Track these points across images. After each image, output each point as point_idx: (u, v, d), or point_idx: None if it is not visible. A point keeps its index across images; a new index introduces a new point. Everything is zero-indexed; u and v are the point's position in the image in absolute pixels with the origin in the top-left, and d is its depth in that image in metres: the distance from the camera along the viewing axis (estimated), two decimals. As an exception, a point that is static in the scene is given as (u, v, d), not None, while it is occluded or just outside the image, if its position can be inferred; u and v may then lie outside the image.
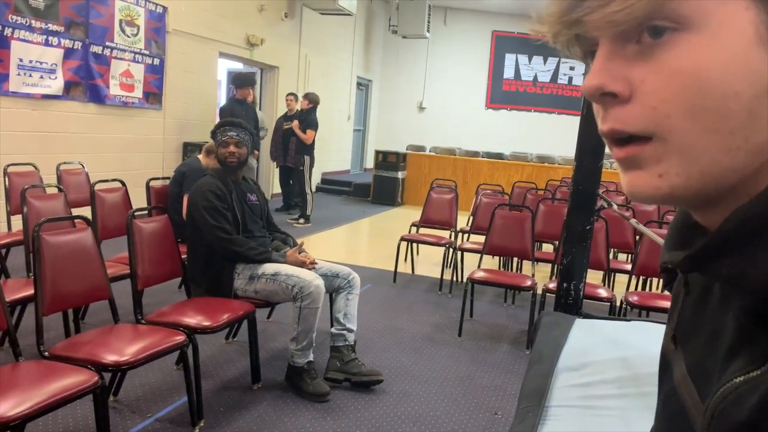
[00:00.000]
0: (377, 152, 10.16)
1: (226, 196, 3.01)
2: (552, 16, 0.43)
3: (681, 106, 0.39)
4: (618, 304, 3.63)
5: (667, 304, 3.43)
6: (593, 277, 3.55)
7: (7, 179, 4.06)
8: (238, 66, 9.05)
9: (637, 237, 4.54)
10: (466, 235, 5.51)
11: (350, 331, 3.10)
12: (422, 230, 5.45)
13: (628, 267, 4.27)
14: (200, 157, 4.09)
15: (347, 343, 3.06)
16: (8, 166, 4.20)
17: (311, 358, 2.92)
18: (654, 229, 3.75)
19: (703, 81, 0.38)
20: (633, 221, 2.55)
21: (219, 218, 2.94)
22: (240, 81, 6.97)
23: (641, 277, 4.27)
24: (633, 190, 0.43)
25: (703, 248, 0.42)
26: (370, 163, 12.56)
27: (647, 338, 2.00)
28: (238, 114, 6.88)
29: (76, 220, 2.68)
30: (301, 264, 3.02)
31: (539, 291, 3.75)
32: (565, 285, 2.62)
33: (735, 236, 0.39)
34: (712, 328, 0.47)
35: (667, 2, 0.37)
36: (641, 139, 0.41)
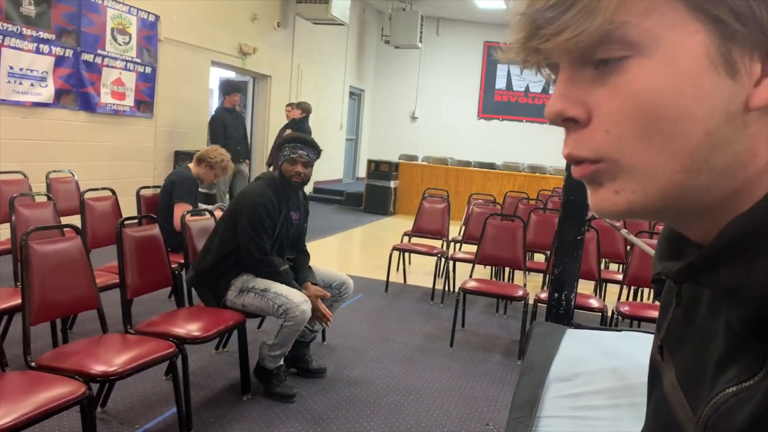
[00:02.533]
0: (370, 161, 10.17)
1: (275, 214, 2.97)
2: (516, 43, 0.44)
3: (633, 128, 0.40)
4: (609, 314, 3.63)
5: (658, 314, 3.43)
6: (584, 287, 3.55)
7: (-5, 187, 4.03)
8: (231, 75, 9.06)
9: (628, 247, 4.56)
10: (458, 245, 5.51)
11: (314, 331, 3.24)
12: (414, 240, 5.45)
13: (619, 277, 4.28)
14: (191, 165, 4.07)
15: (304, 340, 3.19)
16: (-3, 174, 4.17)
17: (282, 363, 2.96)
18: (644, 239, 3.77)
19: (655, 104, 0.39)
20: (623, 231, 2.56)
21: (262, 234, 2.92)
22: (228, 87, 6.99)
23: (632, 287, 4.28)
24: (595, 205, 0.45)
25: (700, 259, 0.42)
26: (362, 172, 12.57)
27: (638, 348, 1.99)
28: (229, 123, 6.90)
29: (65, 229, 2.66)
30: (315, 308, 2.95)
31: (531, 301, 3.75)
32: (556, 295, 2.62)
33: (732, 247, 0.40)
34: (701, 338, 0.47)
35: (615, 29, 0.38)
36: (591, 160, 0.42)
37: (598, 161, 0.42)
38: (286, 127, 7.88)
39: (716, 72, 0.38)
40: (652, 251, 2.14)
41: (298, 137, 3.12)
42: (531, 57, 0.44)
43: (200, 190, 4.31)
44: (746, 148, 0.39)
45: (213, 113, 7.19)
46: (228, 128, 6.85)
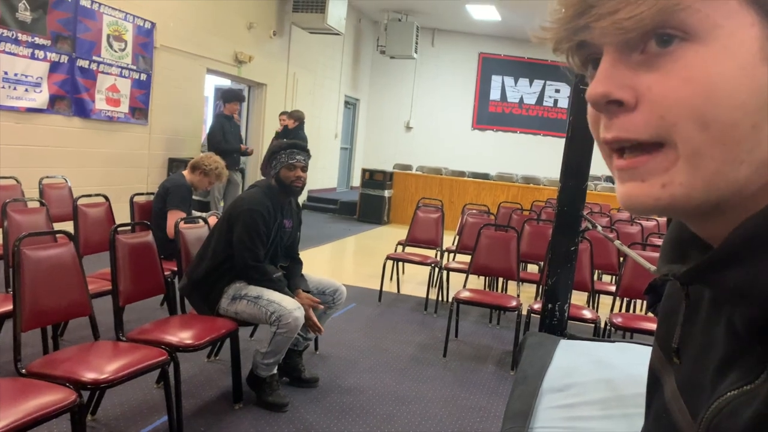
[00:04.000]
0: (364, 170, 10.18)
1: (271, 222, 2.98)
2: (558, 22, 0.43)
3: (689, 114, 0.39)
4: (602, 325, 3.64)
5: (651, 325, 3.45)
6: (578, 298, 3.56)
7: (-13, 192, 4.00)
8: (226, 83, 9.08)
9: (621, 258, 4.57)
10: (451, 255, 5.51)
11: (308, 339, 3.24)
12: (408, 249, 5.45)
13: (613, 288, 4.29)
14: (185, 173, 4.06)
15: (297, 348, 3.18)
16: (-11, 179, 4.15)
17: (275, 372, 2.94)
18: (638, 251, 3.78)
19: (711, 91, 0.38)
20: (617, 243, 2.57)
21: (256, 242, 2.91)
22: (230, 96, 7.01)
23: (625, 299, 4.29)
24: (630, 200, 0.43)
25: (710, 260, 0.42)
26: (356, 181, 12.57)
27: (632, 359, 2.00)
28: (228, 130, 6.94)
29: (58, 235, 2.65)
30: (305, 313, 2.94)
31: (524, 311, 3.75)
32: (549, 306, 2.63)
33: (742, 248, 0.40)
34: (702, 343, 0.47)
35: (676, 13, 0.38)
36: (649, 148, 0.41)
37: (659, 146, 0.41)
38: (279, 135, 7.91)
39: (766, 65, 0.38)
40: (645, 263, 2.15)
41: (293, 143, 3.14)
42: (571, 37, 0.43)
43: (194, 197, 4.29)
44: None
45: (212, 120, 7.19)
46: (227, 135, 6.88)
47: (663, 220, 5.43)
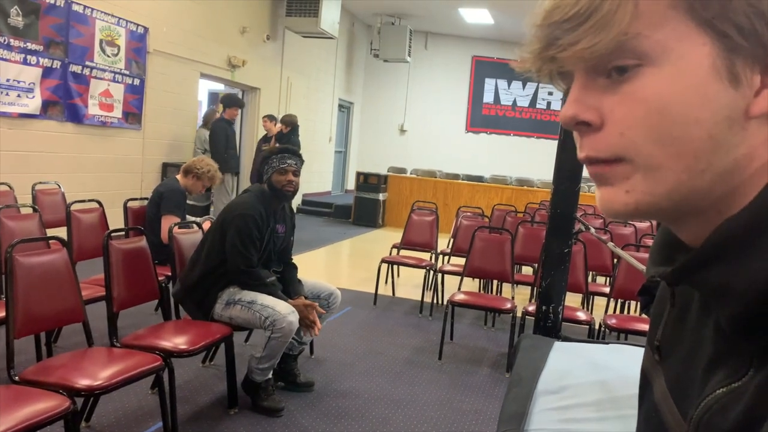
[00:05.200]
0: (358, 174, 10.19)
1: (263, 227, 2.97)
2: (532, 53, 0.47)
3: (646, 132, 0.42)
4: (597, 327, 3.65)
5: (645, 327, 3.46)
6: (572, 299, 3.57)
7: (-20, 199, 3.99)
8: (219, 87, 9.07)
9: (615, 260, 4.59)
10: (446, 257, 5.52)
11: (303, 344, 3.23)
12: (403, 252, 5.45)
13: (607, 290, 4.30)
14: (179, 177, 4.05)
15: (292, 352, 3.17)
16: (-18, 185, 4.13)
17: (270, 376, 2.94)
18: (631, 252, 3.80)
19: (665, 109, 0.42)
20: (610, 244, 2.58)
21: (249, 247, 2.91)
22: (230, 100, 7.06)
23: (619, 300, 4.30)
24: (603, 204, 0.47)
25: (692, 260, 0.45)
26: (351, 184, 12.58)
27: (626, 361, 2.00)
28: (231, 135, 6.99)
29: (51, 241, 2.64)
30: (305, 317, 2.93)
31: (519, 314, 3.76)
32: (544, 308, 2.63)
33: (721, 248, 0.42)
34: (691, 344, 0.49)
35: (629, 41, 0.41)
36: (611, 161, 0.45)
37: (615, 161, 0.45)
38: (265, 140, 7.95)
39: (721, 81, 0.41)
40: (638, 264, 2.16)
41: (284, 148, 3.16)
42: (546, 66, 0.47)
43: (192, 202, 4.28)
44: (745, 153, 0.42)
45: (214, 124, 7.20)
46: (229, 140, 6.92)
47: (656, 221, 5.45)
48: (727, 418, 0.41)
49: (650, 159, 0.43)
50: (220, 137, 6.85)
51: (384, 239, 7.93)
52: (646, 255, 3.68)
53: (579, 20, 0.42)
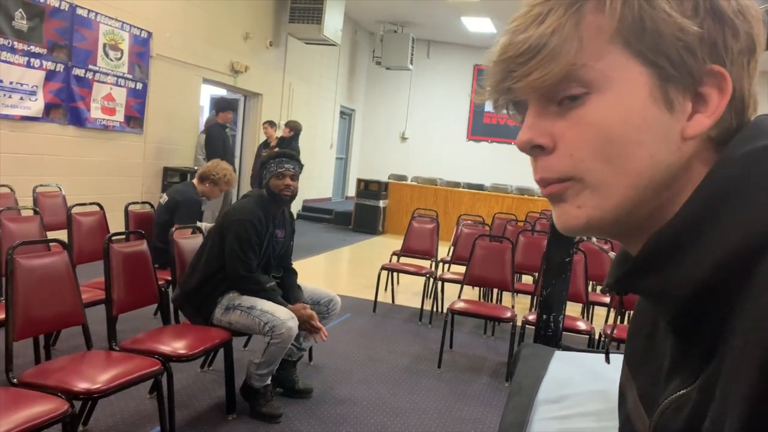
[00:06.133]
0: (359, 180, 10.19)
1: (262, 232, 2.97)
2: (489, 86, 0.51)
3: (593, 152, 0.47)
4: (597, 336, 3.64)
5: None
6: (572, 309, 3.56)
7: (-19, 201, 3.99)
8: (222, 92, 9.09)
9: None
10: (446, 265, 5.51)
11: (302, 350, 3.23)
12: (403, 259, 5.44)
13: (607, 300, 4.30)
14: (195, 182, 4.04)
15: (291, 359, 3.16)
16: (-17, 187, 4.13)
17: (269, 382, 2.92)
18: (632, 262, 3.79)
19: (609, 131, 0.46)
20: (611, 254, 2.58)
21: (248, 252, 2.91)
22: (224, 104, 7.05)
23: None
24: (558, 219, 0.51)
25: (629, 269, 0.49)
26: (351, 191, 12.59)
27: (626, 371, 1.99)
28: (226, 139, 6.99)
29: (51, 244, 2.64)
30: (305, 322, 2.92)
31: (519, 323, 3.75)
32: (544, 317, 2.63)
33: (653, 256, 0.47)
34: (657, 357, 0.53)
35: (575, 71, 0.46)
36: (563, 180, 0.49)
37: (565, 180, 0.49)
38: (265, 146, 7.96)
39: (658, 107, 0.46)
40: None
41: (282, 152, 3.16)
42: (503, 97, 0.51)
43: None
44: (682, 169, 0.47)
45: (209, 129, 7.20)
46: (226, 144, 6.92)
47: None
48: (678, 420, 0.45)
49: (598, 176, 0.47)
50: (217, 142, 6.84)
51: (384, 246, 7.92)
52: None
53: (530, 54, 0.47)
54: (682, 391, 0.46)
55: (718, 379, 0.41)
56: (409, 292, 5.74)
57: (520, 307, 4.49)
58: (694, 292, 0.44)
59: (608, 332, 3.52)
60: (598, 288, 5.35)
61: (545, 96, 0.48)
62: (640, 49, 0.45)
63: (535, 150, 0.50)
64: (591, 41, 0.46)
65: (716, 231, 0.43)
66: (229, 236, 2.91)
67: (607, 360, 0.66)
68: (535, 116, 0.50)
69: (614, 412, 1.96)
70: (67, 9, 5.62)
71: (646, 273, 0.48)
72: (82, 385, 2.08)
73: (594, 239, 3.06)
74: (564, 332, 2.91)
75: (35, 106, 5.42)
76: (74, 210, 3.75)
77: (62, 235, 3.47)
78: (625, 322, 4.48)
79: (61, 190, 4.68)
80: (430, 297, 5.08)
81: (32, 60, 5.31)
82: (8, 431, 1.71)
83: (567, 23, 0.46)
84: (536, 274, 4.68)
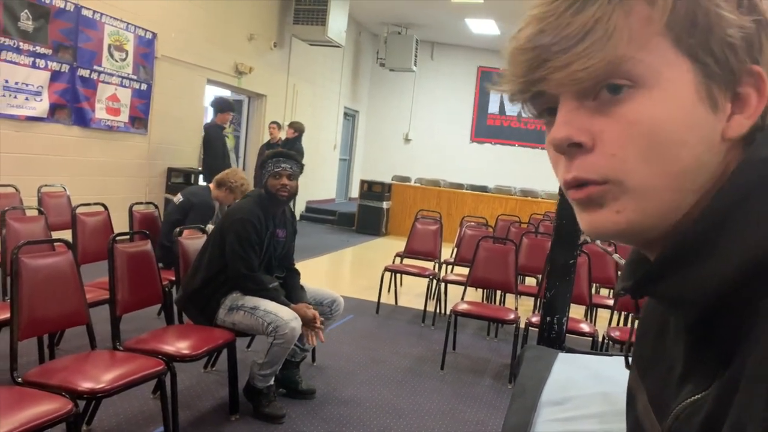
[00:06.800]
0: (362, 182, 10.19)
1: (262, 231, 2.98)
2: (515, 75, 0.48)
3: (637, 152, 0.44)
4: (600, 339, 3.63)
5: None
6: (575, 311, 3.55)
7: (-14, 200, 4.00)
8: (226, 93, 9.10)
9: (619, 272, 4.57)
10: (449, 267, 5.50)
11: (305, 350, 3.22)
12: (406, 261, 5.44)
13: (610, 302, 4.29)
14: (211, 187, 4.05)
15: (294, 359, 3.16)
16: (-12, 187, 4.15)
17: (272, 383, 2.93)
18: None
19: (655, 130, 0.44)
20: (616, 256, 2.57)
21: (249, 251, 2.91)
22: (224, 105, 7.01)
23: (623, 313, 4.28)
24: (592, 226, 0.48)
25: (647, 273, 0.48)
26: (355, 192, 12.59)
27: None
28: (223, 140, 6.97)
29: (56, 244, 2.65)
30: (307, 322, 2.93)
31: (522, 325, 3.75)
32: (548, 319, 2.63)
33: (673, 260, 0.45)
34: (668, 361, 0.52)
35: (622, 64, 0.43)
36: (598, 182, 0.46)
37: (604, 182, 0.45)
38: (277, 146, 7.94)
39: (702, 106, 0.44)
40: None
41: (279, 152, 3.15)
42: (532, 87, 0.47)
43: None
44: (721, 172, 0.45)
45: (208, 130, 7.20)
46: (225, 145, 6.92)
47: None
48: (691, 426, 0.44)
49: (641, 179, 0.44)
50: (216, 143, 6.82)
51: (387, 248, 7.92)
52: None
53: (570, 42, 0.44)
54: (696, 396, 0.45)
55: (737, 384, 0.40)
56: (412, 293, 5.74)
57: (523, 309, 4.49)
58: (714, 296, 0.43)
59: (612, 335, 3.52)
60: (602, 290, 5.35)
61: (582, 90, 0.45)
62: (690, 44, 0.43)
63: (571, 148, 0.46)
64: (639, 33, 0.43)
65: (739, 234, 0.42)
66: (229, 236, 2.92)
67: (628, 366, 0.64)
68: (570, 111, 0.46)
69: (618, 415, 1.95)
70: (72, 10, 5.64)
71: (665, 276, 0.46)
72: (86, 385, 2.09)
73: (598, 241, 3.05)
74: (567, 334, 2.90)
75: (40, 106, 5.44)
76: (78, 210, 3.76)
77: (66, 235, 3.48)
78: (628, 325, 4.47)
79: (65, 190, 4.70)
80: (433, 298, 5.08)
81: (37, 60, 5.33)
82: (13, 430, 1.71)
83: (614, 12, 0.43)
84: (539, 276, 4.68)
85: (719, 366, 0.43)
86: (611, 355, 2.37)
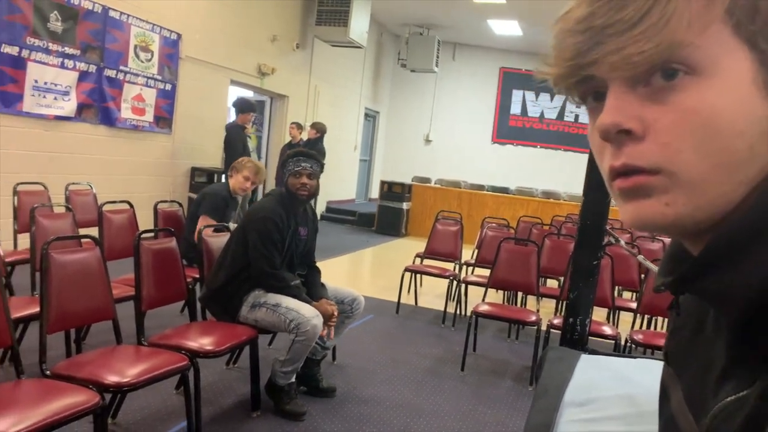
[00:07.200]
0: (383, 182, 10.20)
1: (284, 229, 3.01)
2: (563, 58, 0.46)
3: (693, 142, 0.42)
4: (623, 342, 3.60)
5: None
6: (597, 314, 3.52)
7: (16, 198, 4.09)
8: (249, 94, 9.18)
9: (642, 275, 4.52)
10: (470, 268, 5.49)
11: (326, 349, 3.25)
12: (426, 261, 5.44)
13: (632, 305, 4.24)
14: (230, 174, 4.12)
15: (315, 357, 3.18)
16: (18, 184, 4.23)
17: (293, 380, 2.95)
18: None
19: (712, 120, 0.42)
20: (640, 257, 2.55)
21: (271, 249, 2.95)
22: (246, 106, 7.06)
23: (646, 316, 4.23)
24: (638, 217, 0.46)
25: (691, 268, 0.46)
26: (374, 193, 12.61)
27: (654, 376, 1.97)
28: (243, 140, 7.03)
29: (83, 240, 2.70)
30: (327, 318, 2.96)
31: (543, 327, 3.72)
32: (570, 320, 2.61)
33: (717, 255, 0.44)
34: (706, 358, 0.50)
35: (680, 49, 0.41)
36: (649, 172, 0.44)
37: (656, 172, 0.44)
38: (298, 146, 7.99)
39: (759, 95, 0.42)
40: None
41: (299, 151, 3.18)
42: (576, 72, 0.46)
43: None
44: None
45: (229, 130, 7.26)
46: (245, 145, 6.97)
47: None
48: (732, 425, 0.42)
49: (695, 171, 0.43)
50: (237, 143, 6.86)
51: (407, 248, 7.92)
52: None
53: (626, 26, 0.42)
54: (738, 395, 0.44)
55: None
56: (432, 294, 5.73)
57: (544, 312, 4.46)
58: (760, 294, 0.41)
59: (635, 338, 3.48)
60: (624, 293, 5.29)
61: (634, 75, 0.43)
62: (751, 31, 0.42)
63: (619, 135, 0.45)
64: (699, 18, 0.41)
65: None
66: (251, 234, 2.96)
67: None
68: (620, 97, 0.44)
69: (642, 416, 1.93)
70: (100, 11, 5.74)
71: (710, 272, 0.44)
72: (112, 379, 2.12)
73: (623, 242, 3.02)
74: (589, 337, 2.88)
75: (68, 106, 5.54)
76: (105, 208, 3.82)
77: (93, 232, 3.54)
78: (651, 328, 4.42)
79: (91, 188, 4.78)
80: (453, 299, 5.07)
81: (66, 61, 5.44)
82: (42, 420, 1.75)
83: None
84: (561, 278, 4.64)
85: (763, 365, 0.42)
86: (635, 358, 2.34)
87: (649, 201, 0.45)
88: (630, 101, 0.44)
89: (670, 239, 0.55)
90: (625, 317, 4.68)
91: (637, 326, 3.98)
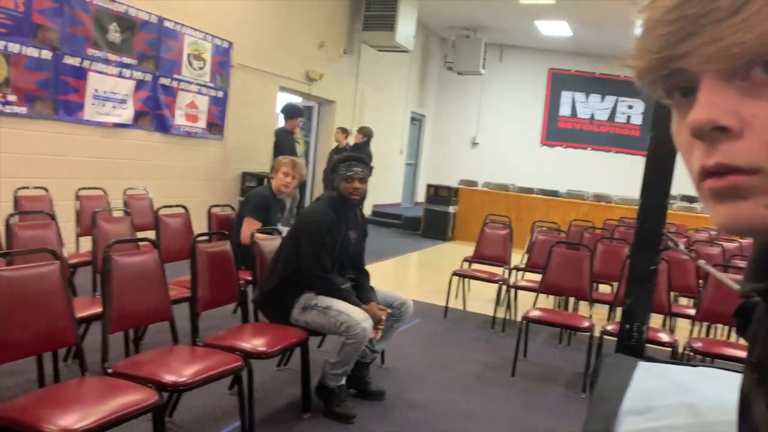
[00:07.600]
0: (429, 186, 10.18)
1: (335, 233, 3.06)
2: (649, 50, 0.43)
3: None
4: (681, 349, 3.48)
5: (734, 351, 3.26)
6: (652, 320, 3.42)
7: (78, 202, 4.26)
8: (297, 100, 9.32)
9: (701, 281, 4.36)
10: (520, 273, 5.41)
11: (375, 352, 3.25)
12: (474, 266, 5.39)
13: (690, 312, 4.10)
14: (271, 176, 4.21)
15: (365, 360, 3.18)
16: (79, 190, 4.41)
17: (343, 382, 2.97)
18: (718, 271, 3.60)
19: None
20: (701, 262, 2.46)
21: (323, 253, 3.00)
22: (294, 111, 7.19)
23: (704, 323, 4.08)
24: (733, 219, 0.43)
25: None
26: (420, 196, 12.59)
27: (716, 385, 1.90)
28: (292, 144, 7.14)
29: (141, 243, 2.78)
30: (376, 320, 2.99)
31: (597, 333, 3.64)
32: (627, 326, 2.54)
33: None
34: None
35: None
36: (748, 171, 0.41)
37: (755, 172, 0.41)
38: (336, 151, 8.07)
39: None
40: (733, 284, 2.05)
41: (350, 156, 3.21)
42: (664, 65, 0.43)
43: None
44: None
45: (277, 135, 7.39)
46: (293, 150, 7.08)
47: (745, 240, 5.15)
48: None
49: None
50: (285, 148, 6.97)
51: (453, 252, 7.87)
52: (738, 276, 3.48)
53: (724, 14, 0.39)
54: None
55: None
56: (480, 299, 5.67)
57: (597, 318, 4.35)
58: None
59: (694, 345, 3.36)
60: (680, 299, 5.12)
61: (729, 69, 0.41)
62: None
63: (713, 132, 0.42)
64: None
65: None
66: (303, 238, 3.00)
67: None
68: (714, 91, 0.42)
69: (705, 427, 1.86)
70: (155, 22, 5.94)
71: None
72: (170, 378, 2.18)
73: (682, 246, 2.92)
74: (645, 344, 2.80)
75: (126, 113, 5.75)
76: (161, 212, 3.94)
77: (149, 235, 3.65)
78: (711, 336, 4.26)
79: (147, 192, 4.93)
80: (502, 305, 5.00)
81: (123, 70, 5.64)
82: (106, 417, 1.81)
83: None
84: (615, 284, 4.53)
85: None
86: (695, 366, 2.26)
87: (746, 203, 0.42)
88: (726, 96, 0.41)
89: (753, 242, 0.51)
90: (681, 324, 4.53)
91: (695, 333, 3.84)
